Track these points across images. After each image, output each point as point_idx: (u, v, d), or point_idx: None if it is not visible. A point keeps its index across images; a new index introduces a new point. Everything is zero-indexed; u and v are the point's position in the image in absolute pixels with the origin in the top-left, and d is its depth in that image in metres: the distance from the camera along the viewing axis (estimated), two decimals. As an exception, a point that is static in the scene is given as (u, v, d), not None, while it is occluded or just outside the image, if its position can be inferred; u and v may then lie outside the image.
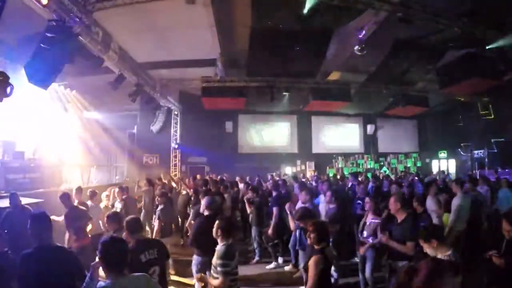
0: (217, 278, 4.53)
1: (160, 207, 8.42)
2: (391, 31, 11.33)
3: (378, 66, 14.60)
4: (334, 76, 16.57)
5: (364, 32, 11.09)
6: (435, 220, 7.32)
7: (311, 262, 4.25)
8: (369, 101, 18.93)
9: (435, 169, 22.17)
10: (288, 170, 22.86)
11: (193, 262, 6.19)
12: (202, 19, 11.52)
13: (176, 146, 20.76)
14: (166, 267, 4.63)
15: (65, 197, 7.40)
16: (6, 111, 11.39)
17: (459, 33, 10.53)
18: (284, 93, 16.77)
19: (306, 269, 5.94)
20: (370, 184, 12.06)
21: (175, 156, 20.95)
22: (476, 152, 19.28)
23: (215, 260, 4.61)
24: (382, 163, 24.06)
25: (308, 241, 4.67)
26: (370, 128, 24.18)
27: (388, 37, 12.17)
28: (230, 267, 4.57)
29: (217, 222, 4.85)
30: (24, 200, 7.81)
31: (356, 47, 11.30)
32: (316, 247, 4.46)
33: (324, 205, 8.36)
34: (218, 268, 4.51)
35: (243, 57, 14.24)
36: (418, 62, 14.25)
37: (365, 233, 6.62)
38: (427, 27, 10.76)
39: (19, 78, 8.65)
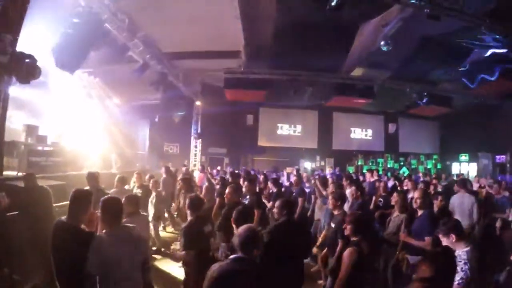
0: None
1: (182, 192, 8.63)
2: (417, 27, 11.18)
3: (403, 64, 14.40)
4: (358, 72, 16.40)
5: (390, 27, 10.99)
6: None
7: (345, 254, 4.21)
8: (391, 99, 18.67)
9: (455, 172, 21.77)
10: (308, 165, 22.87)
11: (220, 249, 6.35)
12: (227, 11, 11.54)
13: (197, 136, 20.86)
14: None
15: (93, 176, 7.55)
16: (32, 95, 11.64)
17: (487, 32, 10.34)
18: (308, 87, 16.67)
19: (324, 261, 6.00)
20: (391, 182, 12.00)
21: (195, 146, 21.08)
22: (498, 156, 18.99)
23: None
24: (402, 163, 23.84)
25: (345, 232, 4.59)
26: (391, 127, 24.00)
27: (414, 34, 12.02)
28: None
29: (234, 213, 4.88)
30: (47, 182, 8.02)
31: (382, 43, 11.19)
32: (352, 239, 4.44)
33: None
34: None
35: (267, 50, 14.17)
36: (443, 61, 13.98)
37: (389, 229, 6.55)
38: (454, 25, 10.60)
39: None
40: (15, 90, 8.60)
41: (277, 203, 5.03)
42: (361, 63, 15.36)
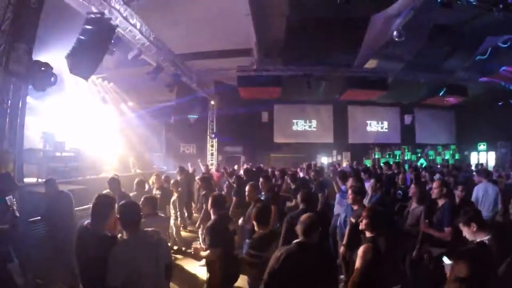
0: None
1: (202, 192, 8.67)
2: (429, 16, 11.10)
3: (416, 54, 14.27)
4: (371, 64, 16.31)
5: (401, 18, 10.91)
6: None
7: (360, 251, 3.92)
8: (406, 90, 18.57)
9: (473, 162, 21.47)
10: (324, 160, 22.82)
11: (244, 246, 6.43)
12: (237, 8, 11.57)
13: (213, 136, 20.99)
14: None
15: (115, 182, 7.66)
16: (48, 103, 11.81)
17: (500, 18, 10.19)
18: (321, 82, 16.65)
19: (345, 255, 5.96)
20: (409, 174, 11.91)
21: (212, 146, 21.24)
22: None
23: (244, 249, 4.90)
24: (419, 155, 23.63)
25: (360, 227, 4.41)
26: (407, 118, 23.76)
27: (427, 23, 11.91)
28: (261, 259, 4.38)
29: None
30: (68, 187, 8.16)
31: (395, 34, 11.09)
32: (368, 234, 4.28)
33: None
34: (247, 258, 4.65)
35: (279, 46, 14.21)
36: (457, 49, 13.86)
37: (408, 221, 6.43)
38: (466, 12, 10.49)
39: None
40: (32, 98, 8.71)
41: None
42: (374, 55, 15.28)
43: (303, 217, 3.86)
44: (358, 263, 3.87)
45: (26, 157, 9.31)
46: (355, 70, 16.30)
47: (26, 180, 8.90)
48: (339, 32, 12.57)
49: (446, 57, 14.67)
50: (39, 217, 7.02)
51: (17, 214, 5.03)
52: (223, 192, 10.66)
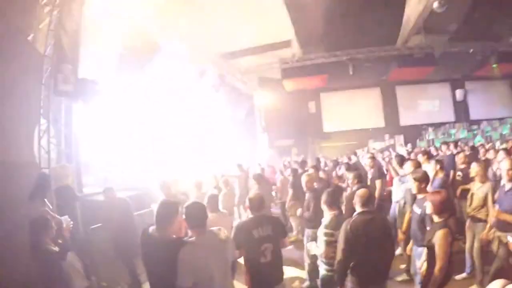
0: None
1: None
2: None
3: (461, 23, 13.80)
4: (415, 40, 15.89)
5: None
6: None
7: (439, 237, 3.84)
8: (455, 63, 17.87)
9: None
10: (377, 146, 22.38)
11: (305, 234, 6.58)
12: (271, 0, 11.64)
13: (262, 131, 21.11)
14: (282, 244, 4.68)
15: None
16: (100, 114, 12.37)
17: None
18: (367, 64, 16.44)
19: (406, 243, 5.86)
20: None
21: (262, 141, 21.36)
22: None
23: (320, 230, 4.83)
24: (475, 132, 22.47)
25: (428, 212, 4.29)
26: (459, 94, 22.81)
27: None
28: (334, 237, 4.60)
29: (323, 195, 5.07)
30: (126, 193, 8.56)
31: (435, 4, 10.82)
32: (436, 220, 4.13)
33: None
34: (322, 238, 4.75)
35: (318, 32, 14.09)
36: (505, 14, 13.26)
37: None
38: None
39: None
40: (85, 111, 9.16)
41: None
42: (417, 31, 14.91)
43: (360, 191, 4.48)
44: (441, 249, 3.81)
45: (84, 169, 9.90)
46: (400, 48, 15.97)
47: (85, 190, 9.36)
48: (378, 11, 12.38)
49: (493, 22, 14.03)
50: (100, 224, 7.44)
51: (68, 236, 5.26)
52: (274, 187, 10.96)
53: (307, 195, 6.84)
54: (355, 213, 4.38)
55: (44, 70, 7.20)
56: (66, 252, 4.93)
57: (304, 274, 6.80)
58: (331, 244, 4.63)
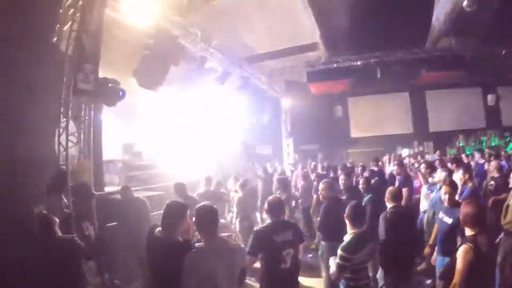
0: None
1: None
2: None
3: (492, 24, 13.36)
4: (444, 42, 15.46)
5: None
6: None
7: (460, 253, 3.63)
8: (487, 66, 17.34)
9: None
10: (405, 152, 21.88)
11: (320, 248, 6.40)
12: (296, 3, 11.51)
13: (288, 135, 20.96)
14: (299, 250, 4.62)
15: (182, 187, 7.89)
16: (126, 115, 12.45)
17: None
18: (395, 68, 16.10)
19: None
20: (504, 162, 10.98)
21: (288, 145, 21.26)
22: None
23: (338, 249, 4.40)
24: (507, 139, 21.60)
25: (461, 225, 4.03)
26: (491, 98, 22.02)
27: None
28: (350, 263, 4.20)
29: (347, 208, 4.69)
30: (146, 193, 8.62)
31: (465, 3, 10.48)
32: (468, 233, 3.84)
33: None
34: (337, 259, 4.30)
35: (344, 35, 13.90)
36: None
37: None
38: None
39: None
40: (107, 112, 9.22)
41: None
42: (446, 33, 14.53)
43: (391, 188, 5.74)
44: (459, 265, 3.58)
45: (107, 167, 9.96)
46: (428, 51, 15.57)
47: (108, 188, 9.47)
48: (406, 12, 12.08)
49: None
50: (116, 223, 7.46)
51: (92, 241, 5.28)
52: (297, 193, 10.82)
53: (323, 205, 6.59)
54: (388, 208, 5.47)
55: (64, 69, 7.28)
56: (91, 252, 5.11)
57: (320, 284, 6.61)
58: (343, 269, 4.23)
